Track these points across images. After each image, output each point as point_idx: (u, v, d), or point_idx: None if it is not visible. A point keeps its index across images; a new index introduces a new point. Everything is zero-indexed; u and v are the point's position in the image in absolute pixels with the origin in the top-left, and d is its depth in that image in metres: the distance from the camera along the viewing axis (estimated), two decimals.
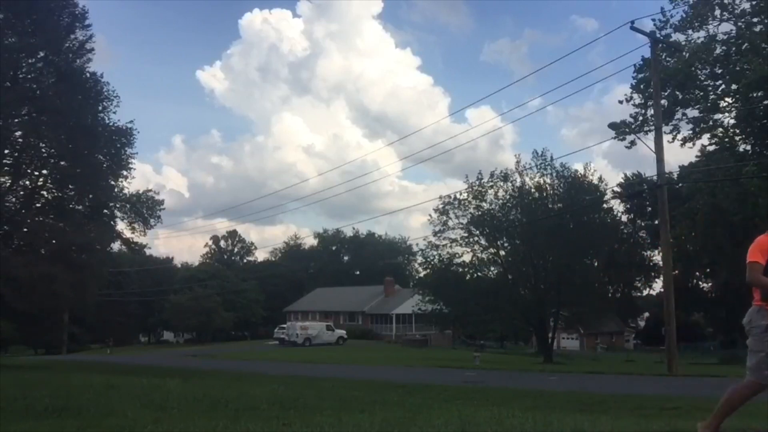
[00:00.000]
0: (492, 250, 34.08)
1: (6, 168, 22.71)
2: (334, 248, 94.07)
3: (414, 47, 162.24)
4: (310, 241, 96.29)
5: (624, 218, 45.91)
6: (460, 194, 34.57)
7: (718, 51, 26.12)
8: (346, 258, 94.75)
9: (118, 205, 29.70)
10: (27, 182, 23.90)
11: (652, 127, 21.01)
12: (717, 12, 25.92)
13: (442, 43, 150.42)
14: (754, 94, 24.78)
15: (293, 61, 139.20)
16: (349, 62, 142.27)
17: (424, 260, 39.25)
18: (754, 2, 25.09)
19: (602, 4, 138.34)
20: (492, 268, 35.17)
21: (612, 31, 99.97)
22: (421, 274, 46.88)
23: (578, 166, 69.02)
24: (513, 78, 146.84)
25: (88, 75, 23.71)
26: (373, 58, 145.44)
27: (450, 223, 34.92)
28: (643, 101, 27.07)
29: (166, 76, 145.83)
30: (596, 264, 37.37)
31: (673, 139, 27.52)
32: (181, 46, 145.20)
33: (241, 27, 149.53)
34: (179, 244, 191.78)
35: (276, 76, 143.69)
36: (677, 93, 26.90)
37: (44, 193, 24.58)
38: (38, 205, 24.37)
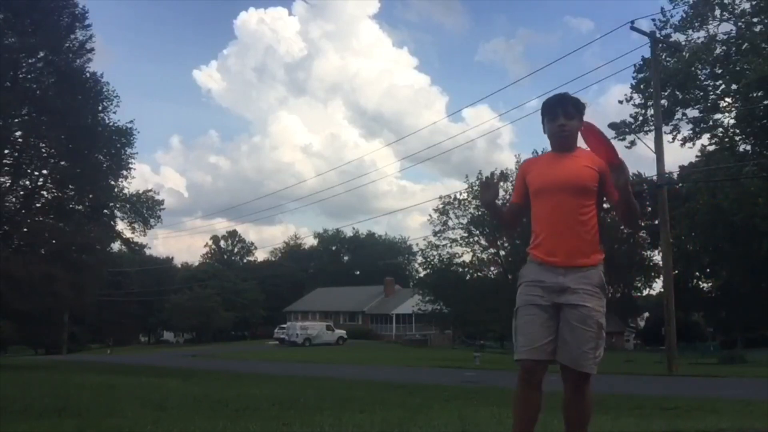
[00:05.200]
0: (492, 250, 34.10)
1: (6, 168, 22.71)
2: (334, 248, 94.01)
3: (411, 47, 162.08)
4: (310, 241, 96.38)
5: None
6: (460, 194, 34.66)
7: (718, 51, 26.11)
8: (346, 258, 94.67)
9: (118, 205, 29.75)
10: (27, 182, 23.91)
11: (652, 127, 21.01)
12: (717, 12, 25.91)
13: (438, 42, 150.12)
14: (754, 94, 24.77)
15: (290, 61, 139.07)
16: (346, 62, 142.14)
17: (424, 260, 39.35)
18: (754, 2, 25.09)
19: (597, 4, 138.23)
20: (492, 268, 35.19)
21: (612, 31, 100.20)
22: (421, 274, 46.99)
23: None
24: (508, 77, 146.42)
25: (88, 75, 23.73)
26: (370, 58, 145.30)
27: (450, 223, 35.03)
28: (643, 101, 27.06)
29: (162, 76, 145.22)
30: None
31: (673, 139, 27.52)
32: (176, 45, 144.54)
33: (236, 26, 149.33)
34: (178, 244, 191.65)
35: (272, 76, 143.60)
36: (677, 93, 26.88)
37: (44, 193, 24.59)
38: (38, 205, 24.37)
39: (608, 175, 2.88)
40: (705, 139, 28.00)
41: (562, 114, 2.93)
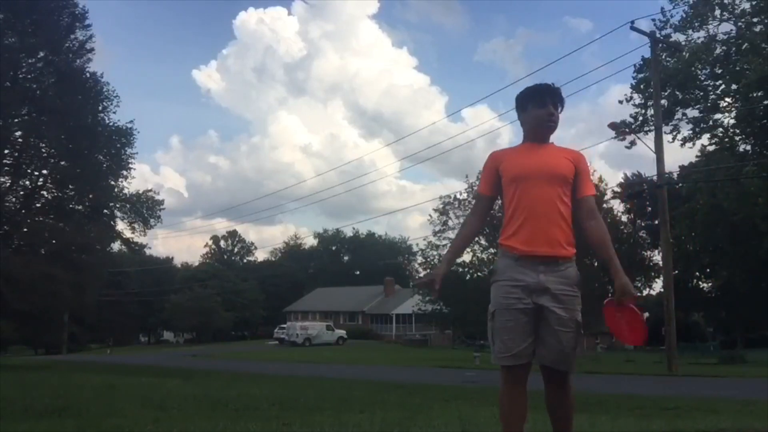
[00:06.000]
0: (492, 250, 34.07)
1: (6, 168, 22.72)
2: (334, 248, 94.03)
3: (410, 47, 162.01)
4: (310, 241, 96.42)
5: (624, 218, 45.87)
6: (460, 194, 34.67)
7: (718, 51, 26.12)
8: (346, 258, 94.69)
9: (118, 205, 29.73)
10: (27, 182, 23.93)
11: (652, 127, 21.01)
12: (717, 12, 25.92)
13: (438, 42, 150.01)
14: (754, 94, 24.77)
15: (289, 61, 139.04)
16: (346, 62, 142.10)
17: (424, 260, 39.35)
18: (754, 2, 25.09)
19: (597, 4, 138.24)
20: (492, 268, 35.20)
21: (612, 31, 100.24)
22: (421, 274, 46.96)
23: None
24: (508, 77, 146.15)
25: (88, 75, 23.74)
26: (369, 58, 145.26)
27: (450, 223, 35.03)
28: (643, 101, 27.08)
29: (162, 76, 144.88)
30: (596, 264, 37.34)
31: (673, 139, 27.54)
32: (176, 45, 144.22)
33: (235, 26, 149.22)
34: (178, 244, 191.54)
35: (272, 76, 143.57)
36: (677, 93, 26.90)
37: (44, 193, 24.60)
38: (38, 205, 24.38)
39: (581, 170, 2.90)
40: (705, 139, 28.03)
41: (551, 103, 2.89)
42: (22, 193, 23.89)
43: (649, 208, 46.15)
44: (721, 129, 27.51)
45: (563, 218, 2.79)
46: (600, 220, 2.94)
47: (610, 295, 2.96)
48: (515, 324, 2.73)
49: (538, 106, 2.91)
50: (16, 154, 23.08)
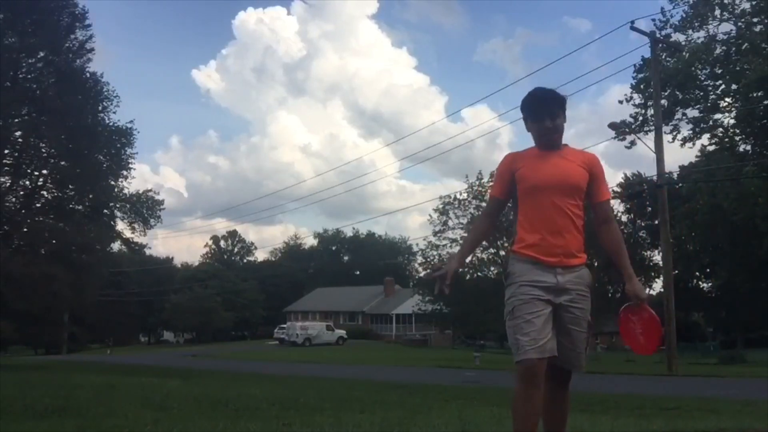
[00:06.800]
0: (492, 250, 34.08)
1: (6, 168, 22.71)
2: (334, 248, 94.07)
3: (410, 47, 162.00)
4: (310, 241, 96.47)
5: (624, 218, 45.90)
6: (460, 194, 34.72)
7: (718, 51, 26.13)
8: (346, 258, 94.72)
9: (118, 205, 29.72)
10: (27, 182, 23.90)
11: (652, 127, 21.01)
12: (717, 12, 25.93)
13: (437, 42, 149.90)
14: (754, 94, 24.78)
15: (288, 61, 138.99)
16: (345, 62, 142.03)
17: (424, 260, 39.40)
18: (754, 2, 25.10)
19: (596, 4, 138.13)
20: (492, 268, 35.22)
21: (612, 31, 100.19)
22: (421, 274, 47.07)
23: None
24: (507, 77, 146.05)
25: (88, 75, 23.71)
26: (369, 58, 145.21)
27: (450, 223, 35.07)
28: (643, 101, 27.09)
29: (162, 76, 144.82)
30: (596, 264, 37.37)
31: (673, 139, 27.54)
32: (176, 45, 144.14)
33: (235, 26, 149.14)
34: (178, 244, 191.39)
35: (271, 76, 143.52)
36: (677, 93, 26.90)
37: (44, 193, 24.57)
38: (38, 205, 24.36)
39: (596, 175, 2.93)
40: (705, 139, 28.04)
41: (547, 116, 2.86)
42: (22, 193, 23.87)
43: (649, 208, 46.13)
44: (721, 129, 27.53)
45: (577, 228, 2.86)
46: (614, 225, 3.00)
47: (618, 297, 3.03)
48: (540, 314, 2.73)
49: (533, 120, 2.91)
50: (16, 154, 23.05)
